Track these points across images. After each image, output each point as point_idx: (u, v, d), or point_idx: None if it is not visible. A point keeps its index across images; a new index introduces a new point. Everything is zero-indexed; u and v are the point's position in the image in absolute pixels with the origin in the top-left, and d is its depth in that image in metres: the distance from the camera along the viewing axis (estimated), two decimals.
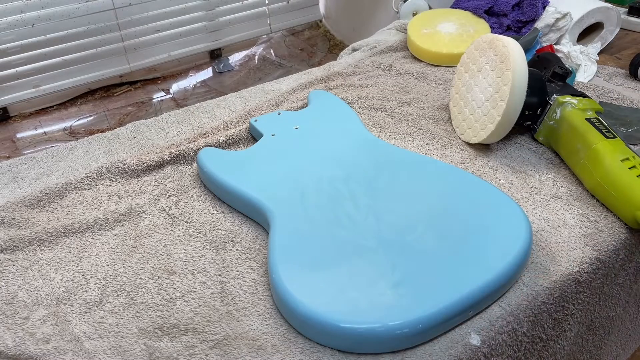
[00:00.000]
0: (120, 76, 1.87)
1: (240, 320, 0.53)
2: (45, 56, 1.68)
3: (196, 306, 0.54)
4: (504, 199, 0.61)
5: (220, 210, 0.66)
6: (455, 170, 0.66)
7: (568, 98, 0.73)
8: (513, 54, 0.71)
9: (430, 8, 1.18)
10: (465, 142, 0.78)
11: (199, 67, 2.02)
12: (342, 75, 0.96)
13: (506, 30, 1.05)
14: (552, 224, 0.63)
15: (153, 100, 1.86)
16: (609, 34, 1.06)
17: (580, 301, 0.60)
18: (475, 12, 1.07)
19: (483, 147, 0.76)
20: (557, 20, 0.98)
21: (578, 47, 0.98)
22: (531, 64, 0.81)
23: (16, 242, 0.61)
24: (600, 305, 0.65)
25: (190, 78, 1.98)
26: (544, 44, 0.98)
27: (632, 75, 0.92)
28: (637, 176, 0.63)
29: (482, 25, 1.04)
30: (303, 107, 0.84)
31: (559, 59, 0.81)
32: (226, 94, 0.93)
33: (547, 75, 0.78)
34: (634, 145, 0.76)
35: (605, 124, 0.69)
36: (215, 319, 0.53)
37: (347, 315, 0.49)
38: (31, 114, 1.77)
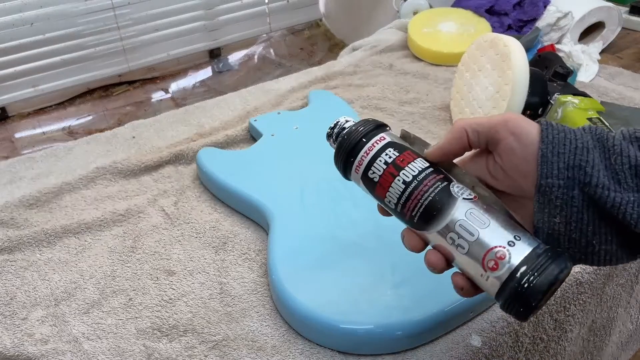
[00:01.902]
0: (119, 76, 1.87)
1: (239, 321, 0.52)
2: (44, 55, 1.68)
3: (195, 307, 0.54)
4: None
5: (219, 210, 0.66)
6: None
7: (569, 98, 0.72)
8: (514, 54, 0.70)
9: (431, 7, 1.17)
10: None
11: (198, 67, 2.02)
12: (343, 75, 0.95)
13: (507, 30, 1.05)
14: None
15: (152, 100, 1.86)
16: (610, 34, 1.06)
17: (581, 302, 0.60)
18: (476, 11, 1.07)
19: None
20: (559, 19, 0.98)
21: (579, 46, 0.97)
22: (532, 63, 0.80)
23: (14, 242, 0.61)
24: (602, 306, 0.65)
25: (189, 77, 1.98)
26: (545, 44, 0.98)
27: None
28: None
29: (483, 24, 1.04)
30: (303, 107, 0.84)
31: (560, 58, 0.81)
32: (225, 93, 0.92)
33: (549, 75, 0.77)
34: None
35: (607, 124, 0.69)
36: (215, 319, 0.52)
37: (347, 316, 0.49)
38: (30, 114, 1.76)
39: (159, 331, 0.52)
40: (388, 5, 1.36)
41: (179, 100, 1.84)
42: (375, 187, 0.38)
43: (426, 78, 0.94)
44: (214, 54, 2.04)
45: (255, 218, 0.64)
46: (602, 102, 0.85)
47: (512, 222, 0.35)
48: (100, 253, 0.60)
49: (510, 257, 0.33)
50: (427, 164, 0.38)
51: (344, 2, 2.04)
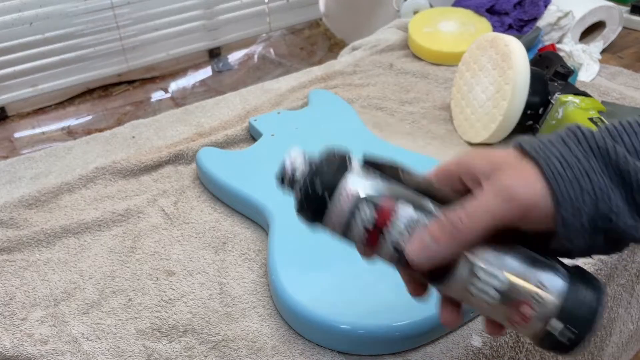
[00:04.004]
0: (119, 75, 1.86)
1: (239, 322, 0.52)
2: (43, 55, 1.68)
3: (195, 307, 0.54)
4: None
5: (219, 210, 0.66)
6: None
7: (570, 97, 0.72)
8: (515, 53, 0.70)
9: (431, 6, 1.17)
10: (467, 142, 0.77)
11: (197, 66, 2.02)
12: (343, 74, 0.95)
13: (508, 29, 1.05)
14: None
15: (152, 100, 1.86)
16: (611, 33, 1.05)
17: None
18: (477, 10, 1.06)
19: (485, 147, 0.76)
20: (559, 18, 0.98)
21: (580, 46, 0.97)
22: (533, 63, 0.80)
23: (14, 242, 0.61)
24: None
25: (189, 77, 1.98)
26: (546, 43, 0.97)
27: None
28: None
29: (484, 23, 1.03)
30: (303, 107, 0.84)
31: (561, 58, 0.81)
32: (225, 93, 0.92)
33: (549, 75, 0.77)
34: None
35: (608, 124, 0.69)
36: (214, 320, 0.52)
37: (347, 317, 0.48)
38: (29, 114, 1.76)
39: (159, 331, 0.51)
40: (388, 4, 1.36)
41: (179, 100, 1.84)
42: (364, 247, 0.34)
43: (426, 78, 0.94)
44: (214, 54, 2.04)
45: (255, 218, 0.64)
46: (603, 102, 0.85)
47: (530, 253, 0.32)
48: (99, 253, 0.60)
49: (545, 301, 0.30)
50: (412, 208, 0.32)
51: (344, 1, 2.04)
